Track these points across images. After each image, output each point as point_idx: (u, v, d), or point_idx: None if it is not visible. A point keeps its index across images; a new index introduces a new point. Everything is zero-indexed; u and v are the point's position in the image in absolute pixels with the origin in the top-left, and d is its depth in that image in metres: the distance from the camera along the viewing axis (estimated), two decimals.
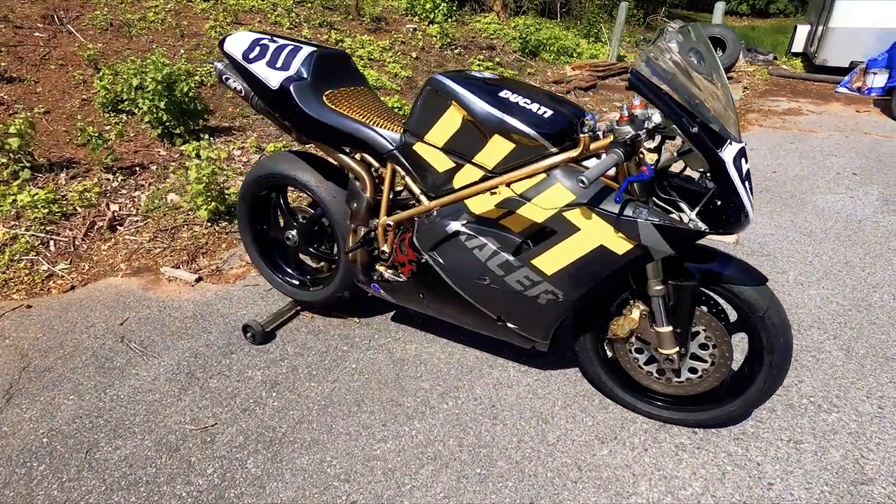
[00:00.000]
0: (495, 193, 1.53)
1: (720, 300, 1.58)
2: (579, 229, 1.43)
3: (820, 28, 8.27)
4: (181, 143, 4.13)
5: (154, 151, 4.03)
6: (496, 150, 1.51)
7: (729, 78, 7.43)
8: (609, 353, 1.78)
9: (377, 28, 7.31)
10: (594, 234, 1.41)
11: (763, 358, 1.50)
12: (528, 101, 1.48)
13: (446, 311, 1.83)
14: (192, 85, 4.06)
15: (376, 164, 1.82)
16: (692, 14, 13.34)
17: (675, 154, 1.39)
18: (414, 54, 6.87)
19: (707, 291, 1.55)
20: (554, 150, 1.46)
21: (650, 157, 1.32)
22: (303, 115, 1.79)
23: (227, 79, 1.97)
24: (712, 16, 8.03)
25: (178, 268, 2.76)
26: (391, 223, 1.81)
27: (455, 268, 1.66)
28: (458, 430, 1.74)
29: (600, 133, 1.45)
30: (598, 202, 1.39)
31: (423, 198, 1.72)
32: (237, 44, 1.88)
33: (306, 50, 1.84)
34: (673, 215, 1.36)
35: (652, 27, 10.43)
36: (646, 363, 1.69)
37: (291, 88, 1.78)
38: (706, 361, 1.59)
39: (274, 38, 1.90)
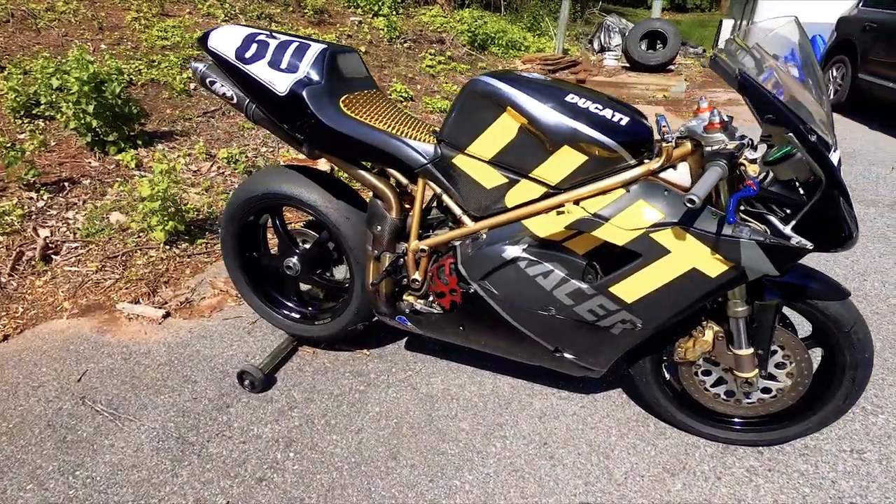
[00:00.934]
0: (563, 213, 1.33)
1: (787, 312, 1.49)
2: (669, 252, 1.26)
3: (745, 23, 8.74)
4: (116, 152, 3.61)
5: (83, 163, 3.49)
6: (563, 162, 1.32)
7: (669, 70, 7.67)
8: (666, 376, 1.65)
9: (320, 21, 6.88)
10: (687, 257, 1.25)
11: (845, 374, 1.42)
12: (600, 107, 1.29)
13: (491, 343, 1.62)
14: (123, 85, 3.54)
15: (404, 181, 1.57)
16: (623, 9, 13.81)
17: (761, 162, 1.25)
18: (363, 48, 6.51)
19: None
20: (632, 161, 1.29)
21: (752, 169, 1.18)
22: (319, 125, 1.50)
23: (211, 83, 1.63)
24: (650, 11, 8.26)
25: (138, 302, 2.36)
26: (425, 248, 1.57)
27: (512, 298, 1.45)
28: (515, 479, 1.54)
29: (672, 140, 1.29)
30: (692, 221, 1.23)
31: (465, 218, 1.49)
32: (226, 40, 1.55)
33: (316, 47, 1.55)
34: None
35: (590, 21, 10.62)
36: (713, 385, 1.57)
37: (305, 94, 1.48)
38: (781, 381, 1.50)
39: (273, 34, 1.59)
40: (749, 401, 1.55)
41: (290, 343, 2.02)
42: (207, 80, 1.63)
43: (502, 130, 1.36)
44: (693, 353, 1.47)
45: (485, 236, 1.45)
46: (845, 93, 5.89)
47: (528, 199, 1.39)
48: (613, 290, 1.34)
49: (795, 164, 1.18)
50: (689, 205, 1.07)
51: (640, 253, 1.28)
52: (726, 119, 1.19)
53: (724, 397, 1.57)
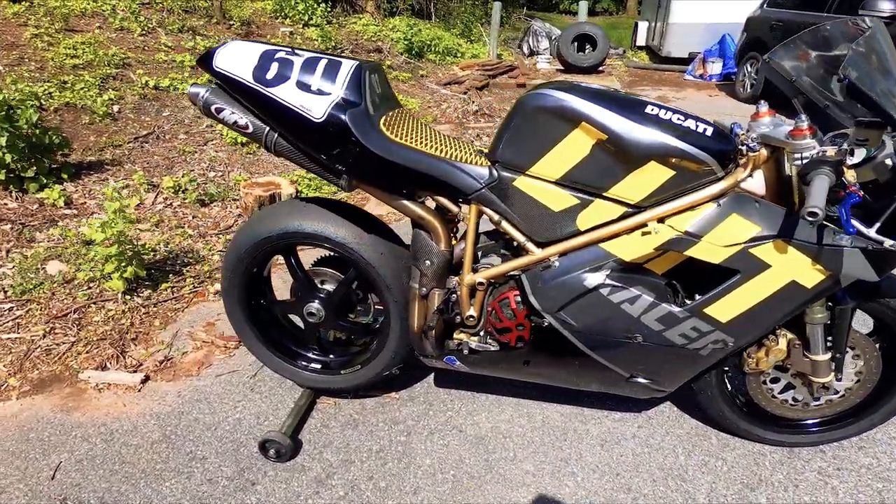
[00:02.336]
0: (649, 233, 1.23)
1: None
2: (770, 266, 1.20)
3: (660, 24, 9.30)
4: (37, 190, 3.12)
5: None
6: (647, 179, 1.22)
7: (600, 72, 7.97)
8: (729, 387, 1.60)
9: (247, 33, 6.46)
10: (787, 270, 1.20)
11: None
12: (682, 118, 1.21)
13: (556, 375, 1.49)
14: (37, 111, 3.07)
15: (454, 209, 1.41)
16: (542, 14, 14.27)
17: (859, 160, 1.21)
18: None
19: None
20: (721, 173, 1.22)
21: (850, 175, 1.14)
22: (365, 153, 1.29)
23: (217, 110, 1.37)
24: (570, 16, 8.55)
25: (106, 368, 2.00)
26: (483, 281, 1.41)
27: (593, 329, 1.33)
28: None
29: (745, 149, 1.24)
30: (792, 232, 1.18)
31: (530, 245, 1.35)
32: (237, 59, 1.31)
33: (348, 64, 1.34)
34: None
35: (516, 27, 10.84)
36: (780, 391, 1.55)
37: (347, 119, 1.28)
38: (850, 380, 1.50)
39: (295, 50, 1.36)
40: (817, 403, 1.53)
41: (308, 397, 1.78)
42: (213, 108, 1.37)
43: (573, 147, 1.24)
44: (766, 362, 1.43)
45: (557, 264, 1.32)
46: (760, 86, 6.38)
47: (603, 221, 1.28)
48: (708, 311, 1.26)
49: (877, 165, 1.16)
50: (810, 219, 1.00)
51: (736, 270, 1.21)
52: (813, 125, 1.14)
53: (792, 402, 1.55)
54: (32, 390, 1.89)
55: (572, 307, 1.32)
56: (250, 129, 1.36)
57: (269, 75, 1.28)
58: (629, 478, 1.55)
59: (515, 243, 1.38)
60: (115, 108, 4.28)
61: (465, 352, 1.49)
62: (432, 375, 1.95)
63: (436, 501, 1.48)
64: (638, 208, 1.26)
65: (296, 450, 1.62)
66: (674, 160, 1.19)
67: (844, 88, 1.12)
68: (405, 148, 1.31)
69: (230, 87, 1.33)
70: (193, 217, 3.22)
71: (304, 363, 1.74)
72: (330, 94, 1.28)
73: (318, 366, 1.74)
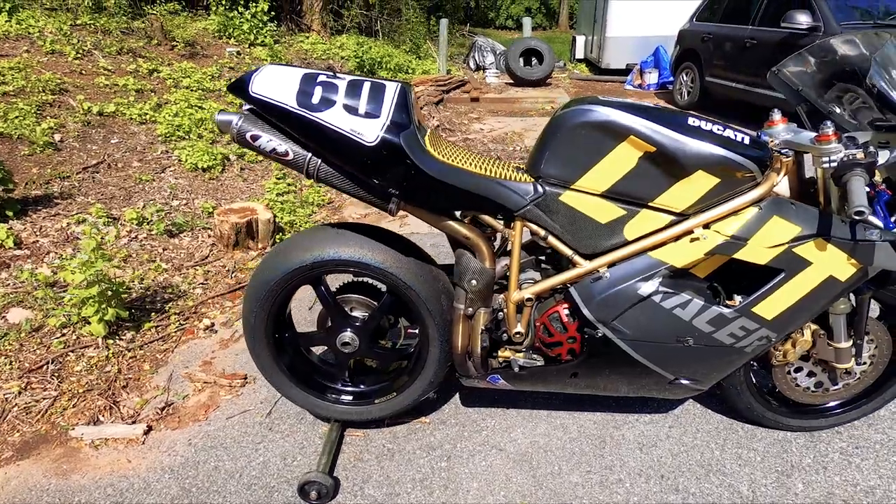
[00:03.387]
0: (697, 239, 1.28)
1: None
2: (811, 263, 1.27)
3: (597, 38, 9.80)
4: None
5: None
6: (693, 187, 1.26)
7: (548, 84, 8.26)
8: (754, 379, 1.68)
9: (193, 54, 6.20)
10: (826, 266, 1.27)
11: None
12: (722, 128, 1.27)
13: (603, 384, 1.50)
14: None
15: (499, 227, 1.39)
16: (482, 30, 14.64)
17: (884, 161, 1.30)
18: None
19: None
20: (759, 178, 1.28)
21: (878, 175, 1.23)
22: (419, 175, 1.25)
23: (254, 138, 1.28)
24: (515, 30, 8.82)
25: (99, 422, 1.82)
26: (531, 297, 1.40)
27: (646, 335, 1.35)
28: None
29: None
30: (829, 230, 1.26)
31: (577, 258, 1.36)
32: (277, 84, 1.23)
33: (392, 85, 1.30)
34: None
35: (460, 43, 11.06)
36: (803, 380, 1.63)
37: (401, 141, 1.24)
38: (866, 363, 1.60)
39: (336, 74, 1.31)
40: (836, 388, 1.64)
41: (337, 430, 1.69)
42: (248, 136, 1.28)
43: (620, 160, 1.26)
44: (793, 354, 1.51)
45: (607, 275, 1.34)
46: (696, 94, 6.84)
47: (651, 230, 1.31)
48: (756, 309, 1.32)
49: (892, 166, 1.26)
50: (857, 217, 1.08)
51: (781, 269, 1.28)
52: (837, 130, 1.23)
53: (814, 389, 1.64)
54: (16, 455, 1.68)
55: (626, 316, 1.34)
56: (290, 157, 1.29)
57: (315, 100, 1.23)
58: (674, 478, 1.58)
59: (561, 257, 1.39)
60: (57, 136, 3.97)
61: (515, 369, 1.48)
62: (457, 396, 1.92)
63: None
64: (683, 216, 1.31)
65: (336, 488, 1.53)
66: (720, 168, 1.24)
67: (874, 96, 1.22)
68: (456, 168, 1.29)
69: (271, 113, 1.25)
70: (164, 249, 3.02)
71: (334, 396, 1.65)
72: (379, 116, 1.24)
73: (350, 397, 1.66)
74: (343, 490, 1.55)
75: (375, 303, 1.57)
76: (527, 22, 8.39)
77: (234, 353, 2.20)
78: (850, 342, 1.48)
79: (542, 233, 1.36)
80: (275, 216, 3.27)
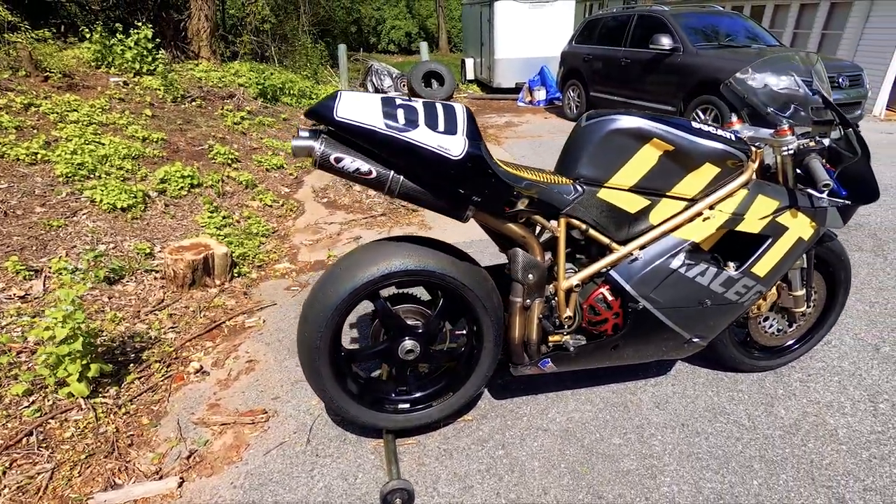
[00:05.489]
0: (708, 218, 1.56)
1: None
2: (788, 228, 1.61)
3: (486, 60, 10.53)
4: None
5: None
6: (701, 177, 1.54)
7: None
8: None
9: (71, 85, 5.60)
10: (797, 229, 1.62)
11: (841, 290, 2.00)
12: (715, 129, 1.57)
13: (635, 353, 1.72)
14: None
15: (549, 224, 1.56)
16: (368, 54, 14.82)
17: (826, 145, 1.66)
18: (148, 112, 5.59)
19: None
20: (745, 166, 1.60)
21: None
22: (499, 183, 1.37)
23: (338, 160, 1.29)
24: (420, 55, 9.18)
25: (117, 485, 1.65)
26: (579, 283, 1.59)
27: (676, 302, 1.60)
28: (694, 461, 1.68)
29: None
30: (797, 201, 1.62)
31: (614, 245, 1.58)
32: (361, 109, 1.27)
33: (457, 105, 1.40)
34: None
35: (357, 69, 11.12)
36: (770, 328, 2.01)
37: (483, 153, 1.34)
38: (812, 306, 2.02)
39: (410, 98, 1.38)
40: (791, 329, 2.04)
41: (392, 440, 1.72)
42: (331, 159, 1.30)
43: (644, 160, 1.51)
44: (766, 305, 1.88)
45: (641, 255, 1.57)
46: (584, 107, 7.67)
47: (671, 214, 1.58)
48: (753, 270, 1.63)
49: (842, 144, 1.65)
50: (825, 189, 1.43)
51: (768, 235, 1.61)
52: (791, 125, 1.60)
53: (777, 332, 2.03)
54: None
55: (661, 288, 1.58)
56: (373, 175, 1.34)
57: (401, 121, 1.30)
58: (692, 424, 1.85)
59: (591, 247, 1.60)
60: None
61: (570, 350, 1.64)
62: (488, 393, 2.03)
63: (566, 493, 1.58)
64: (693, 201, 1.59)
65: (414, 493, 1.57)
66: (722, 160, 1.54)
67: (820, 100, 1.60)
68: (520, 175, 1.44)
69: (357, 135, 1.29)
70: (109, 298, 2.74)
71: (392, 407, 1.68)
72: (456, 133, 1.34)
73: (408, 405, 1.70)
74: (417, 494, 1.59)
75: (427, 310, 1.65)
76: (424, 46, 8.78)
77: (240, 391, 2.10)
78: (804, 290, 1.88)
79: (584, 226, 1.56)
80: (231, 250, 3.12)
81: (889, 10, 7.88)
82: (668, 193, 1.57)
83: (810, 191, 1.66)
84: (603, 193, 1.54)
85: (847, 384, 2.04)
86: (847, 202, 1.66)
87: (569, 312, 1.62)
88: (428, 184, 1.38)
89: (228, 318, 2.62)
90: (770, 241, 1.63)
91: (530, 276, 1.55)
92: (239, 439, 1.84)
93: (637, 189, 1.55)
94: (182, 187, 4.13)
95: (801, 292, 1.87)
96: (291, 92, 7.39)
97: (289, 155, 5.59)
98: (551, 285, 1.63)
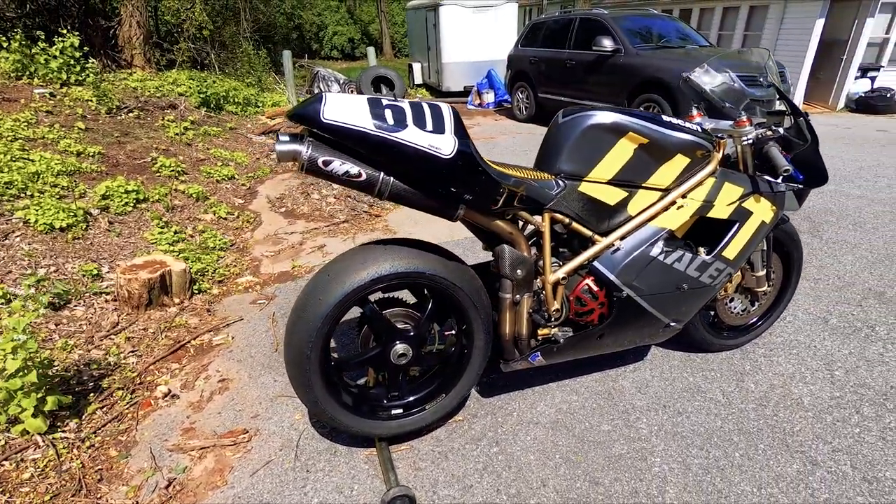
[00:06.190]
0: (682, 206, 1.63)
1: None
2: (752, 213, 1.71)
3: (433, 64, 10.59)
4: None
5: None
6: (673, 167, 1.61)
7: None
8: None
9: None
10: (761, 213, 1.72)
11: (795, 269, 2.15)
12: (684, 122, 1.64)
13: (618, 340, 1.76)
14: None
15: (535, 220, 1.57)
16: (311, 61, 14.52)
17: (782, 134, 1.77)
18: (81, 125, 5.25)
19: None
20: (711, 156, 1.68)
21: None
22: (489, 180, 1.37)
23: (326, 163, 1.24)
24: (367, 60, 9.09)
25: None
26: (565, 276, 1.61)
27: (656, 288, 1.65)
28: (679, 440, 1.75)
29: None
30: (759, 187, 1.71)
31: (596, 236, 1.62)
32: (349, 111, 1.22)
33: (443, 105, 1.37)
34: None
35: (302, 75, 10.87)
36: (735, 309, 2.12)
37: (472, 151, 1.33)
38: (771, 285, 2.15)
39: (397, 98, 1.34)
40: (754, 308, 2.16)
41: (385, 447, 1.69)
42: (320, 162, 1.24)
43: (621, 153, 1.56)
44: (732, 287, 1.99)
45: (622, 245, 1.62)
46: (533, 108, 7.85)
47: (647, 205, 1.63)
48: (724, 253, 1.72)
49: (794, 132, 1.77)
50: (786, 174, 1.54)
51: (735, 220, 1.70)
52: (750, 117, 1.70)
53: (741, 312, 2.15)
54: None
55: (642, 275, 1.63)
56: (363, 177, 1.30)
57: (389, 122, 1.27)
58: (673, 405, 1.93)
59: (573, 239, 1.63)
60: None
61: (559, 342, 1.67)
62: (475, 392, 2.03)
63: (564, 482, 1.60)
64: (666, 191, 1.65)
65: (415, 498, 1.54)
66: (692, 151, 1.62)
67: (774, 91, 1.71)
68: (507, 173, 1.45)
69: (346, 137, 1.25)
70: (57, 325, 2.54)
71: (385, 413, 1.65)
72: (444, 132, 1.33)
73: (401, 410, 1.67)
74: (418, 498, 1.56)
75: (416, 312, 1.63)
76: (371, 51, 8.70)
77: (215, 412, 2.00)
78: (765, 270, 2.00)
79: (567, 220, 1.59)
80: (190, 267, 2.97)
81: (799, 13, 8.58)
82: (644, 184, 1.63)
83: (768, 177, 1.77)
84: (584, 187, 1.57)
85: (805, 356, 2.19)
86: (802, 186, 1.78)
87: (556, 305, 1.65)
88: (418, 184, 1.36)
89: (193, 338, 2.48)
90: (738, 225, 1.73)
91: (518, 271, 1.56)
92: (221, 462, 1.75)
93: (615, 181, 1.60)
94: (126, 203, 3.90)
95: (762, 273, 1.99)
96: (236, 100, 7.14)
97: (240, 165, 5.40)
98: (538, 280, 1.65)
